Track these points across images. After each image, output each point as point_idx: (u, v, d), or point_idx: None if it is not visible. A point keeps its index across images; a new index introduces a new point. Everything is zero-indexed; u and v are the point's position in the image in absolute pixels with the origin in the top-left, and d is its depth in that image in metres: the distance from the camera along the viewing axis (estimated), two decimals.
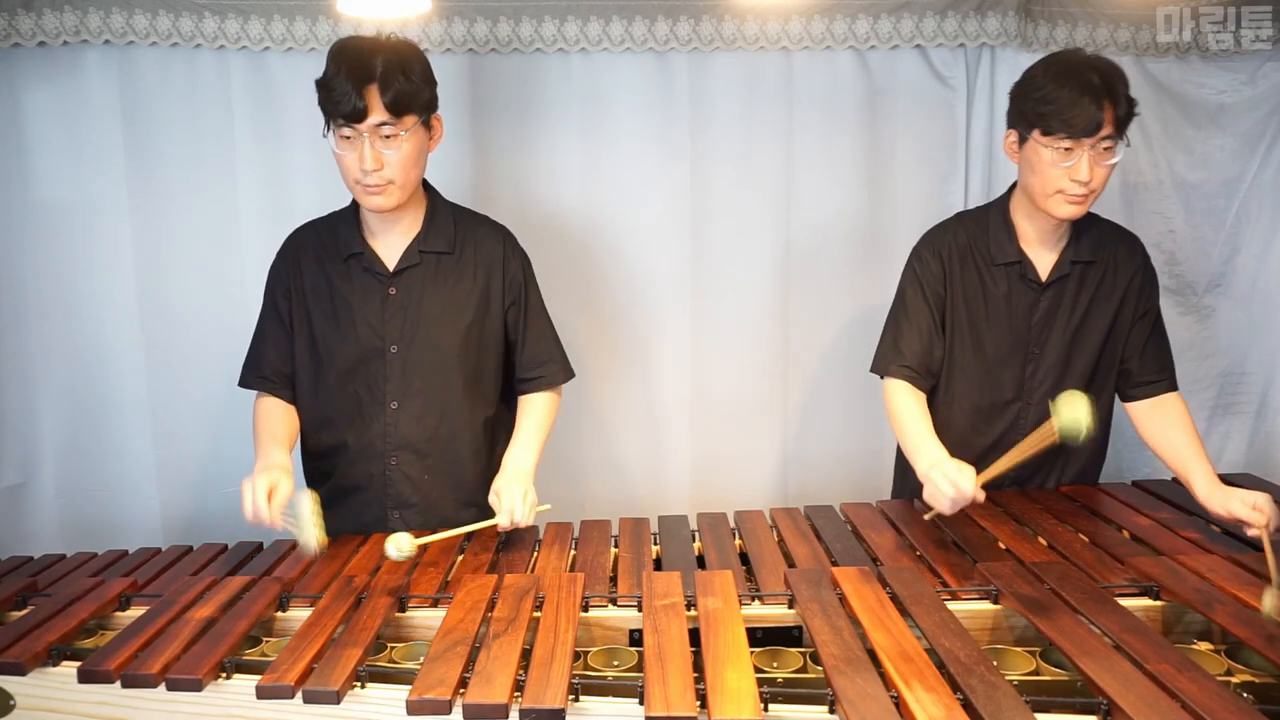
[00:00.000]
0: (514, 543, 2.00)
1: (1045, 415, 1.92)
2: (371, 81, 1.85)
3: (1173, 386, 2.12)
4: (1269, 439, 3.08)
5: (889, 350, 2.12)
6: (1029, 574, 1.68)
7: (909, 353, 2.08)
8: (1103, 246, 2.08)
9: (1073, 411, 1.66)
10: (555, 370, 2.15)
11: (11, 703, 1.43)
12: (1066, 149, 1.88)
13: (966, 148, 2.81)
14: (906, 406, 2.03)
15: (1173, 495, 2.13)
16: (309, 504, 1.74)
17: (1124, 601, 1.59)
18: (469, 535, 1.93)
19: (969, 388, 2.13)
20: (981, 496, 1.81)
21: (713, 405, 2.91)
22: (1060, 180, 1.91)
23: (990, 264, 2.08)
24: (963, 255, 2.10)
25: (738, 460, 2.95)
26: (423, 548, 1.79)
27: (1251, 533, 1.78)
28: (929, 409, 2.08)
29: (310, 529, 1.74)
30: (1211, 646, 1.56)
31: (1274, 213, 2.95)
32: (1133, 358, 2.11)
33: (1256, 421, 3.08)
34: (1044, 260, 2.07)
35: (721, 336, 2.88)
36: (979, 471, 1.84)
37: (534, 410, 2.13)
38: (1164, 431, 2.07)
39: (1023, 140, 1.96)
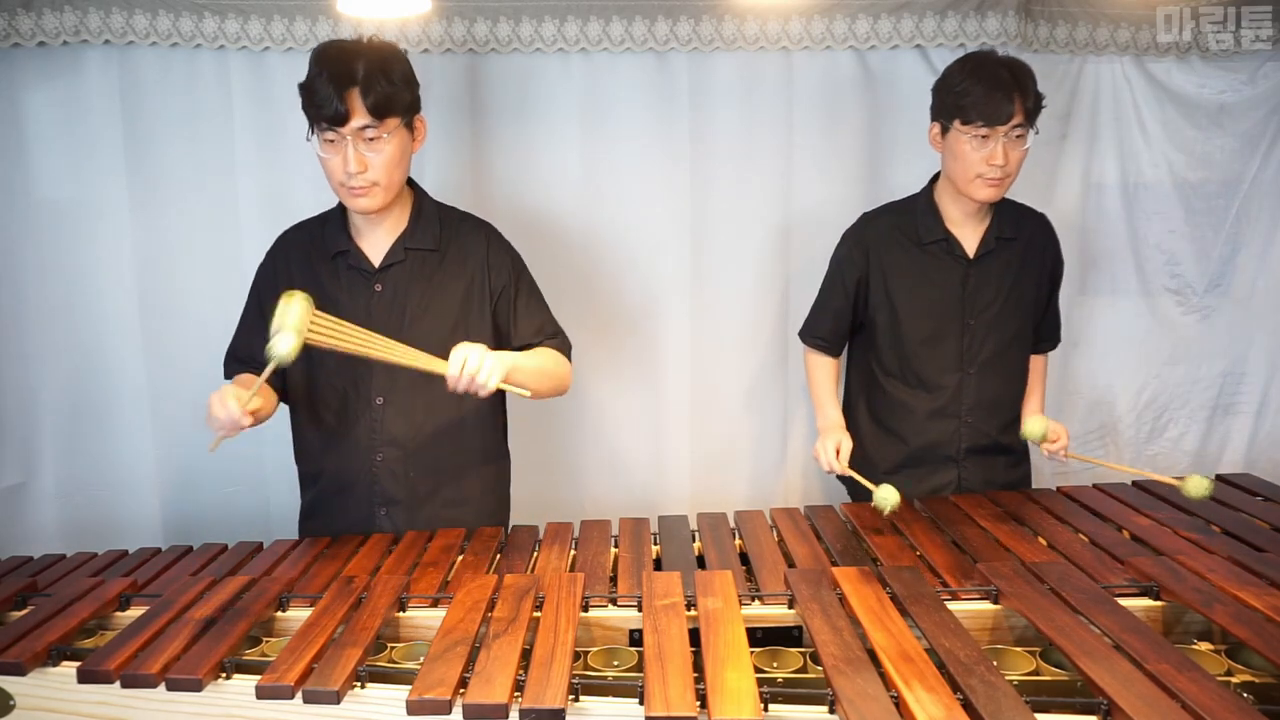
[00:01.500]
0: (514, 543, 2.00)
1: (986, 382, 2.29)
2: (353, 85, 1.86)
3: (1054, 346, 2.45)
4: (1269, 439, 3.08)
5: (810, 322, 2.43)
6: (1029, 574, 1.68)
7: (823, 328, 2.39)
8: (1020, 224, 2.28)
9: (887, 496, 1.99)
10: (556, 342, 2.11)
11: (11, 703, 1.44)
12: (983, 136, 2.09)
13: None
14: (816, 371, 2.41)
15: (1173, 495, 2.13)
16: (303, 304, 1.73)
17: (1124, 601, 1.59)
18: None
19: (909, 362, 2.28)
20: (848, 473, 2.14)
21: (713, 405, 2.91)
22: (979, 165, 2.11)
23: (919, 244, 2.26)
24: (889, 239, 2.29)
25: (738, 460, 2.95)
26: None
27: (1048, 448, 2.22)
28: (872, 383, 2.36)
29: (293, 325, 1.70)
30: (1211, 646, 1.56)
31: (1274, 213, 2.96)
32: (1039, 325, 2.37)
33: (1256, 421, 3.08)
34: (969, 238, 2.25)
35: (721, 336, 2.88)
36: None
37: (539, 350, 2.07)
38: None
39: (945, 131, 2.17)
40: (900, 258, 2.27)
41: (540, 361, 2.03)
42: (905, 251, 2.26)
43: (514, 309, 2.09)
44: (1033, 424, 2.20)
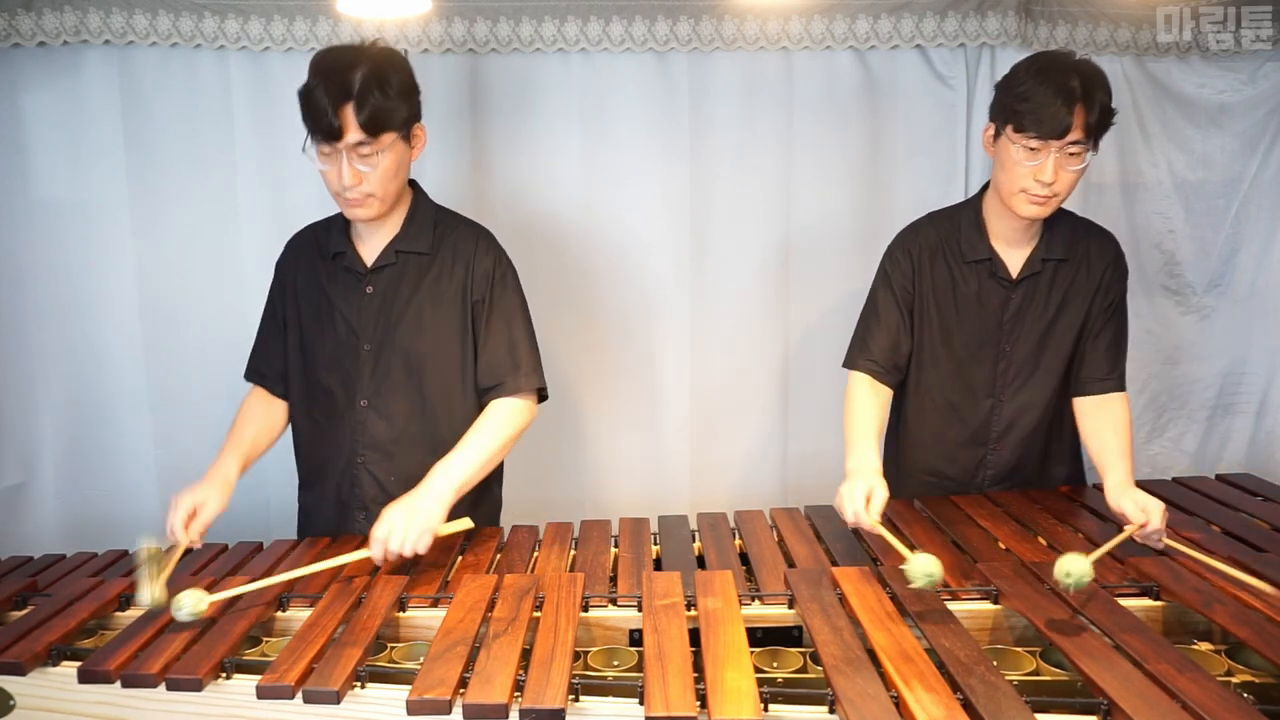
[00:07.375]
0: (514, 543, 2.00)
1: (1016, 412, 2.07)
2: (348, 100, 1.82)
3: (1120, 386, 2.09)
4: (1269, 439, 3.08)
5: (858, 346, 2.15)
6: (1029, 574, 1.68)
7: (876, 349, 2.11)
8: (1075, 244, 2.08)
9: (926, 568, 1.53)
10: (515, 380, 1.98)
11: (11, 703, 1.43)
12: (1034, 149, 1.90)
13: (966, 148, 2.81)
14: (859, 401, 2.06)
15: (1172, 495, 2.13)
16: (146, 556, 1.62)
17: (1124, 601, 1.59)
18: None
19: (941, 384, 2.16)
20: (877, 530, 1.73)
21: (713, 405, 2.91)
22: (1025, 179, 1.92)
23: (961, 261, 2.10)
24: (933, 253, 2.12)
25: (738, 460, 2.95)
26: (223, 602, 1.63)
27: (1129, 529, 1.78)
28: (900, 405, 2.16)
29: (144, 583, 1.60)
30: (1211, 646, 1.56)
31: (1274, 213, 2.96)
32: (1089, 352, 2.09)
33: (1256, 421, 3.08)
34: (1015, 258, 2.08)
35: (721, 336, 2.88)
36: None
37: (486, 419, 1.96)
38: (1100, 430, 2.04)
39: (998, 135, 1.98)
40: (942, 274, 2.11)
41: (485, 437, 1.93)
42: (947, 268, 2.10)
43: (484, 330, 2.01)
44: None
